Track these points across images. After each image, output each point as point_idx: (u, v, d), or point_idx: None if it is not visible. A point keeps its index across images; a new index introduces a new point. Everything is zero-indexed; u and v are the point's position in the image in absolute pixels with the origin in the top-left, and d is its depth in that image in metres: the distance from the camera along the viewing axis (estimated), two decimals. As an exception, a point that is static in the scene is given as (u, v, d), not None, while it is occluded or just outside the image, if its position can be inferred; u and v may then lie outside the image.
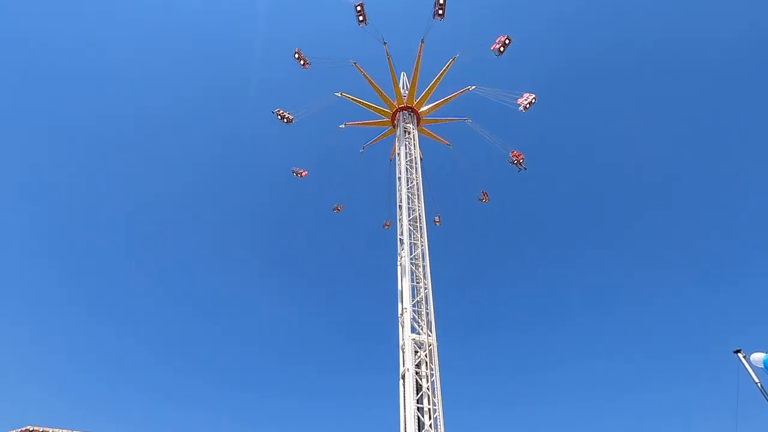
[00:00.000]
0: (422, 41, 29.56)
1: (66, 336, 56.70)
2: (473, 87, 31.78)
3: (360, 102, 32.30)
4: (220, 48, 61.26)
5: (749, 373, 15.74)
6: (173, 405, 56.40)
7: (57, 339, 56.18)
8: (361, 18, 28.73)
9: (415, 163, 29.04)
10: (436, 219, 37.72)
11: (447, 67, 30.87)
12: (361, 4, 28.53)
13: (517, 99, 29.69)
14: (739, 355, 16.08)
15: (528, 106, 29.46)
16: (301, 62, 30.89)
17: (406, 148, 29.61)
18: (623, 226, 61.63)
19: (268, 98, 59.36)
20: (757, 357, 15.59)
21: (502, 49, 28.45)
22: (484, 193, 36.25)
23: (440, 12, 27.78)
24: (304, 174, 34.88)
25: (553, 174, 63.76)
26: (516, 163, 30.89)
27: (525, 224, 66.52)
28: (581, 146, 62.70)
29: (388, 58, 30.33)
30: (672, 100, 56.41)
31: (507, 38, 28.36)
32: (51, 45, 54.35)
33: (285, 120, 32.19)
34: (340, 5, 51.26)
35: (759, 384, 15.49)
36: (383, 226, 37.34)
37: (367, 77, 31.07)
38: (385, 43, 29.79)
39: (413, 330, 22.08)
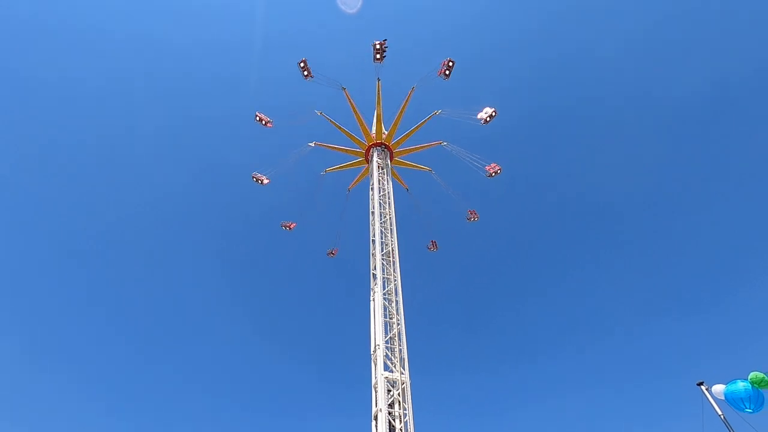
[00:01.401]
0: (378, 80, 30.80)
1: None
2: (439, 111, 32.72)
3: (339, 127, 33.05)
4: (196, 55, 61.17)
5: (712, 405, 15.98)
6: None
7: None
8: (305, 73, 30.10)
9: (388, 198, 29.41)
10: (430, 246, 37.86)
11: (408, 99, 31.92)
12: (304, 60, 29.94)
13: (485, 166, 31.12)
14: (702, 387, 16.34)
15: (489, 119, 30.64)
16: (305, 73, 30.76)
17: (379, 183, 30.04)
18: (585, 259, 63.04)
19: (241, 158, 59.46)
20: (719, 389, 15.84)
21: (447, 72, 29.38)
22: (472, 212, 36.24)
23: (447, 73, 29.31)
24: (265, 181, 34.49)
25: (530, 199, 65.15)
26: (471, 219, 35.01)
27: (500, 252, 67.32)
28: (557, 176, 64.65)
29: (350, 101, 31.53)
30: (633, 138, 59.35)
31: (450, 61, 29.37)
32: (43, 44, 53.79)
33: (264, 123, 32.71)
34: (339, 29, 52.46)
35: (722, 416, 15.70)
36: (327, 254, 37.37)
37: (334, 123, 32.34)
38: (344, 88, 31.06)
39: (386, 368, 21.72)
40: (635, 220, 59.65)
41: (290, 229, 35.75)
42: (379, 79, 30.71)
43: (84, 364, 56.37)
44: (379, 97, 31.50)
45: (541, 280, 65.38)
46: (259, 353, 65.94)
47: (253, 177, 33.61)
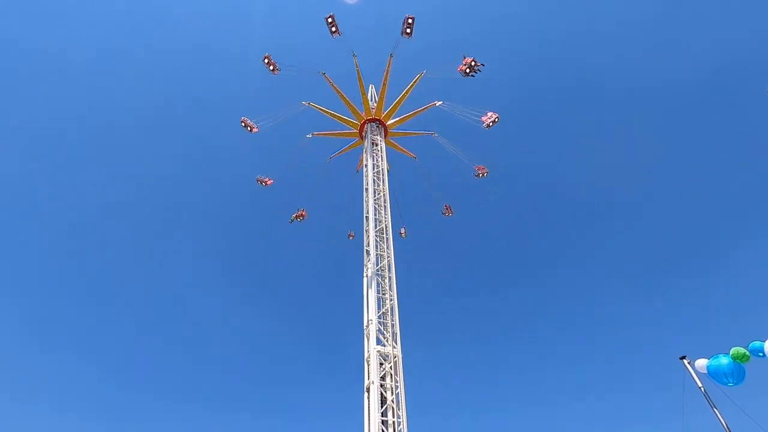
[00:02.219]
0: (391, 56, 30.11)
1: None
2: (439, 102, 32.57)
3: (328, 112, 32.30)
4: (188, 55, 59.96)
5: (694, 379, 16.73)
6: (125, 422, 53.09)
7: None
8: (333, 29, 28.75)
9: (382, 175, 29.24)
10: (402, 231, 37.98)
11: (414, 83, 31.52)
12: (331, 16, 28.65)
13: (480, 117, 30.62)
14: (685, 361, 17.09)
15: (491, 124, 30.50)
16: (271, 68, 30.44)
17: (373, 160, 29.79)
18: (572, 235, 64.87)
19: (235, 106, 58.40)
20: (701, 363, 16.63)
21: (467, 70, 28.74)
22: (447, 207, 36.98)
23: (408, 31, 28.41)
24: (269, 182, 34.09)
25: (514, 190, 66.18)
26: (480, 175, 33.62)
27: (487, 238, 68.42)
28: (541, 167, 65.54)
29: (358, 70, 30.63)
30: (621, 125, 60.22)
31: (473, 60, 28.85)
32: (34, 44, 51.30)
33: (249, 129, 31.74)
34: (310, 15, 51.44)
35: (703, 389, 16.49)
36: (348, 237, 37.23)
37: (335, 88, 31.20)
38: (354, 55, 30.13)
39: (378, 342, 21.97)
40: (617, 197, 61.25)
41: (266, 184, 34.25)
42: (354, 54, 30.07)
43: (92, 355, 56.08)
44: (359, 73, 30.85)
45: (528, 250, 66.97)
46: (252, 327, 66.34)
47: (242, 122, 31.90)
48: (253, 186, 34.30)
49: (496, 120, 30.52)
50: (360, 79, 30.95)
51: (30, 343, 53.26)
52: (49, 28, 53.13)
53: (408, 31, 28.34)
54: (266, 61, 30.38)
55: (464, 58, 28.59)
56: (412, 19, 28.05)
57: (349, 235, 37.17)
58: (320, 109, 32.17)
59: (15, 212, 55.44)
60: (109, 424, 51.62)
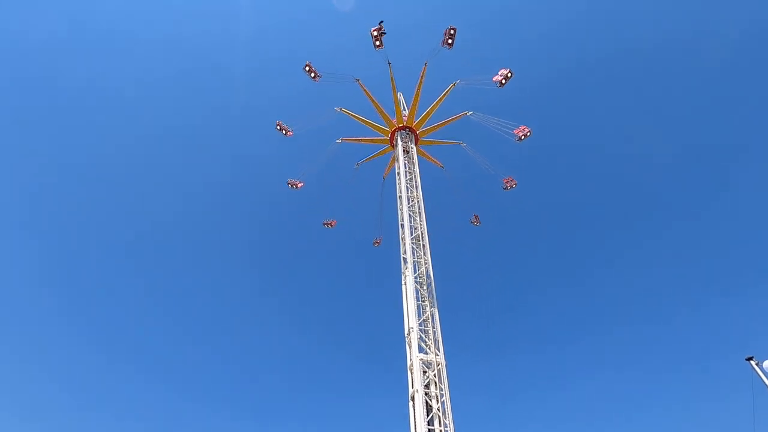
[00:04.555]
0: (426, 64, 30.37)
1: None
2: (470, 113, 32.63)
3: (360, 119, 32.53)
4: (228, 60, 61.51)
5: (763, 380, 15.57)
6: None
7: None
8: (378, 43, 28.96)
9: (416, 182, 29.29)
10: (473, 220, 37.42)
11: (447, 92, 31.69)
12: (308, 64, 30.23)
13: (513, 130, 30.54)
14: (752, 362, 15.96)
15: (523, 137, 30.42)
16: (312, 75, 30.92)
17: (405, 167, 29.92)
18: (624, 236, 61.93)
19: (272, 110, 60.20)
20: (771, 364, 15.45)
21: (504, 81, 29.33)
22: (476, 217, 36.97)
23: (449, 41, 28.71)
24: (299, 185, 34.53)
25: (547, 196, 64.14)
26: (508, 187, 33.94)
27: (523, 245, 66.49)
28: (574, 178, 63.29)
29: (392, 78, 30.87)
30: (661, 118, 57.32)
31: (509, 72, 29.38)
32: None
33: (284, 132, 32.47)
34: (347, 22, 52.43)
35: (773, 392, 15.30)
36: (373, 244, 37.30)
37: (369, 95, 31.45)
38: (389, 64, 30.34)
39: (421, 350, 21.83)
40: (677, 196, 58.16)
41: (297, 187, 34.78)
42: (390, 63, 30.32)
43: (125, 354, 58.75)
44: (393, 82, 31.07)
45: (584, 256, 64.62)
46: (296, 339, 67.16)
47: (288, 183, 34.23)
48: (286, 190, 35.26)
49: (529, 134, 30.52)
50: (394, 87, 31.23)
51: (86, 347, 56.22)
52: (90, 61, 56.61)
53: (450, 41, 28.69)
54: (307, 68, 30.89)
55: (501, 70, 29.21)
56: (454, 30, 28.33)
57: (375, 242, 37.40)
58: (352, 115, 32.42)
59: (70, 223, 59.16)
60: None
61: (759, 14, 48.44)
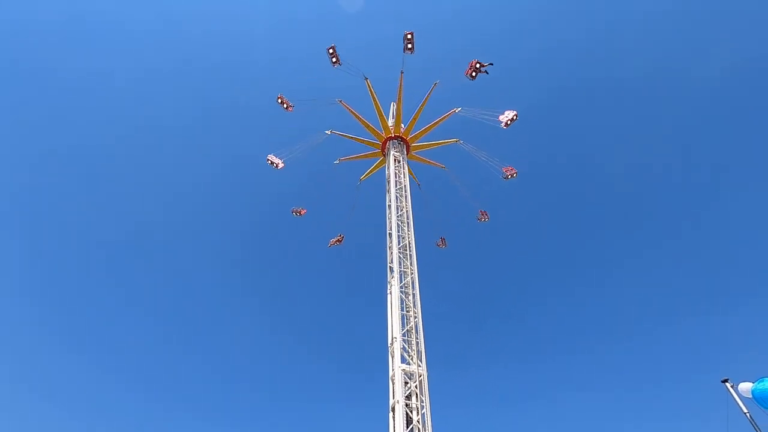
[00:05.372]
0: (402, 72, 30.44)
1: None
2: (459, 109, 32.15)
3: (350, 137, 33.24)
4: (209, 95, 62.32)
5: (737, 403, 15.60)
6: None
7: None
8: (334, 60, 29.89)
9: (405, 191, 29.36)
10: (440, 242, 37.64)
11: (429, 94, 31.49)
12: (332, 47, 29.77)
13: (498, 116, 30.29)
14: (727, 384, 15.94)
15: (509, 122, 29.83)
16: (284, 106, 32.11)
17: (395, 176, 30.02)
18: (605, 255, 61.46)
19: (259, 142, 60.31)
20: (745, 387, 15.37)
21: (474, 73, 28.64)
22: (483, 213, 36.13)
23: (409, 47, 28.67)
24: (303, 212, 35.48)
25: (548, 195, 64.14)
26: (482, 219, 34.61)
27: (521, 245, 66.47)
28: (570, 165, 63.44)
29: (371, 92, 31.24)
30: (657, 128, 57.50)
31: (515, 114, 29.25)
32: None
33: (285, 106, 32.76)
34: (319, 44, 52.71)
35: (748, 414, 15.29)
36: (329, 244, 36.88)
37: (354, 113, 32.10)
38: (366, 78, 30.79)
39: (403, 360, 21.85)
40: (655, 216, 58.07)
41: (300, 215, 35.69)
42: (402, 72, 30.48)
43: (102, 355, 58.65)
44: (401, 90, 31.25)
45: (562, 276, 64.30)
46: (275, 347, 66.74)
47: (268, 160, 33.24)
48: (283, 215, 35.47)
49: (515, 118, 29.81)
50: (375, 100, 31.54)
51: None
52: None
53: (409, 47, 28.60)
54: (279, 101, 32.03)
55: (470, 62, 28.58)
56: (411, 34, 28.27)
57: (336, 242, 37.47)
58: (351, 111, 32.79)
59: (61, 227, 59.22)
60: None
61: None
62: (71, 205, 59.56)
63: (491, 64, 28.02)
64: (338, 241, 36.72)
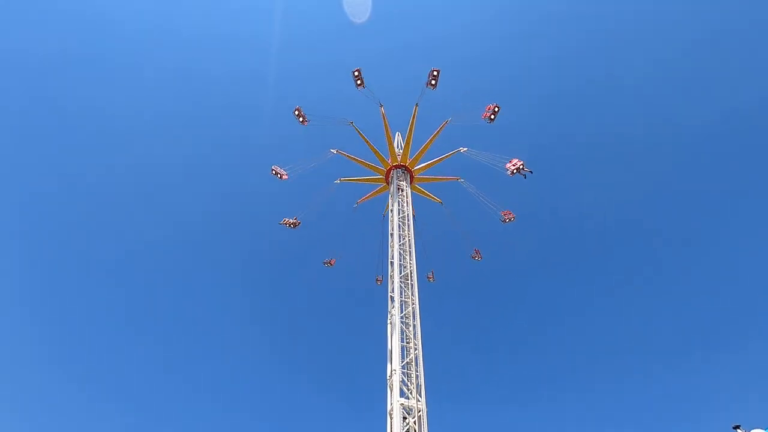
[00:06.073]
0: (416, 105, 31.22)
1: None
2: (465, 149, 33.02)
3: (355, 159, 33.25)
4: (224, 102, 63.32)
5: (750, 452, 15.10)
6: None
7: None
8: (359, 82, 30.39)
9: (407, 220, 29.34)
10: (430, 275, 37.49)
11: (440, 130, 32.27)
12: (358, 70, 30.25)
13: (505, 164, 30.68)
14: (739, 431, 15.51)
15: (515, 171, 30.41)
16: (301, 119, 32.19)
17: (398, 205, 30.07)
18: (614, 292, 61.62)
19: (266, 154, 61.01)
20: (758, 434, 15.05)
21: (492, 116, 29.99)
22: (477, 251, 36.61)
23: (433, 82, 29.69)
24: (298, 224, 34.71)
25: (543, 236, 64.53)
26: (506, 221, 33.46)
27: (517, 285, 66.13)
28: (568, 214, 64.22)
29: (384, 119, 31.71)
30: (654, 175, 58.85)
31: (496, 106, 30.06)
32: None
33: (280, 176, 32.96)
34: (340, 67, 54.16)
35: (761, 463, 14.81)
36: (375, 282, 36.88)
37: (363, 137, 32.32)
38: (381, 105, 31.38)
39: (402, 394, 21.10)
40: (665, 255, 58.42)
41: (294, 226, 34.74)
42: (381, 105, 31.29)
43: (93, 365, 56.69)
44: (385, 122, 31.79)
45: (564, 310, 63.90)
46: (273, 376, 65.09)
47: (273, 170, 32.97)
48: (281, 232, 35.13)
49: (521, 167, 30.45)
50: (387, 127, 32.02)
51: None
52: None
53: (433, 82, 29.66)
54: (296, 113, 32.08)
55: (488, 105, 29.80)
56: (437, 71, 29.33)
57: (377, 280, 36.90)
58: (348, 156, 33.18)
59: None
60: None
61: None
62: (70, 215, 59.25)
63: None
64: (328, 263, 36.93)
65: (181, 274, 64.19)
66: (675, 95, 56.81)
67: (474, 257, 36.53)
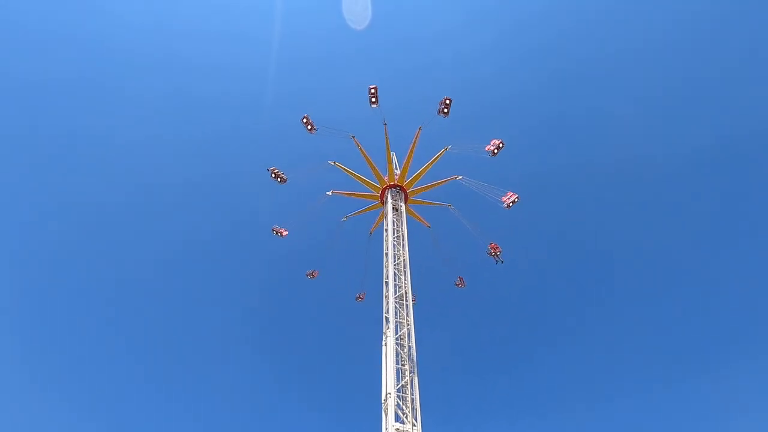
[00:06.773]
0: (420, 128, 31.63)
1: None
2: (460, 177, 33.62)
3: (352, 174, 33.11)
4: (227, 100, 62.03)
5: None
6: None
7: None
8: (373, 100, 30.58)
9: (402, 240, 29.30)
10: (458, 282, 37.46)
11: (439, 156, 32.80)
12: (375, 87, 30.52)
13: (501, 197, 31.40)
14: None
15: (511, 204, 31.20)
16: (308, 127, 32.02)
17: (393, 225, 30.01)
18: (601, 318, 62.13)
19: (264, 156, 60.33)
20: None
21: (495, 151, 30.69)
22: (461, 279, 37.03)
23: (445, 111, 30.27)
24: (284, 233, 34.39)
25: (530, 267, 64.85)
26: (494, 255, 32.57)
27: (502, 312, 65.94)
28: (559, 247, 64.95)
29: (387, 138, 31.92)
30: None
31: (501, 142, 30.79)
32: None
33: (279, 179, 32.60)
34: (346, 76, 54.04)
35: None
36: (356, 299, 36.55)
37: (363, 152, 32.34)
38: (385, 123, 31.56)
39: (397, 418, 20.61)
40: (655, 278, 59.47)
41: (282, 235, 34.70)
42: (385, 123, 31.60)
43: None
44: (387, 141, 32.13)
45: (561, 329, 63.73)
46: (266, 398, 62.96)
47: (273, 230, 34.01)
48: (271, 239, 34.70)
49: (516, 200, 31.24)
50: (388, 146, 32.26)
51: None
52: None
53: (445, 111, 30.28)
54: (304, 120, 31.87)
55: (493, 140, 30.60)
56: (450, 100, 30.01)
57: (357, 297, 36.59)
58: (345, 169, 33.00)
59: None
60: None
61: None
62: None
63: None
64: (311, 274, 36.47)
65: (166, 284, 62.20)
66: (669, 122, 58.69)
67: (458, 284, 36.94)
